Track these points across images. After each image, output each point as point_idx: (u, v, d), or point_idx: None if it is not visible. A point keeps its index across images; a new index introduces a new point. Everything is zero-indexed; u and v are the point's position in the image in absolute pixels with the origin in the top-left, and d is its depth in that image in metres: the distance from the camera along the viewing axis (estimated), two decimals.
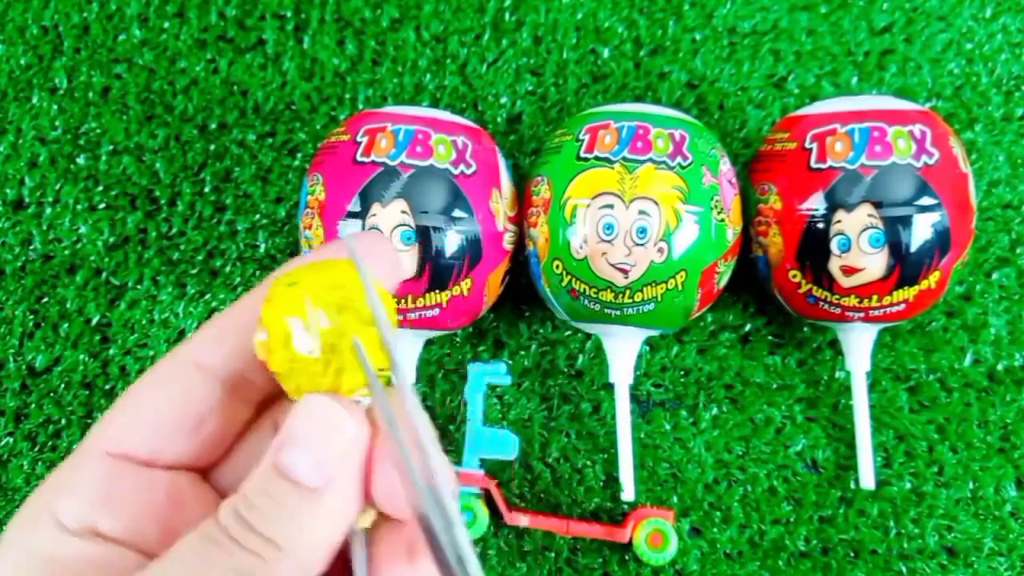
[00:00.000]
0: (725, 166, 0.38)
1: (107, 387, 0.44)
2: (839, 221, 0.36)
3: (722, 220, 0.37)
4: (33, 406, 0.43)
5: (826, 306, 0.38)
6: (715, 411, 0.42)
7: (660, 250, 0.35)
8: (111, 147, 0.46)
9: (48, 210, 0.45)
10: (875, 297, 0.36)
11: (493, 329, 0.44)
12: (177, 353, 0.22)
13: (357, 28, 0.47)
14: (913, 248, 0.35)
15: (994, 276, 0.43)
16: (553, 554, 0.41)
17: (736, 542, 0.41)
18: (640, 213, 0.35)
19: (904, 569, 0.40)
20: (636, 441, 0.42)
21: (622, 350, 0.39)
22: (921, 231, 0.35)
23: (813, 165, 0.37)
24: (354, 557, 0.20)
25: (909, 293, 0.36)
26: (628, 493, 0.40)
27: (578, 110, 0.44)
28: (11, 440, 0.43)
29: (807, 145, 0.37)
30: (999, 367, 0.42)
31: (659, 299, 0.36)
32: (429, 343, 0.43)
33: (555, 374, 0.43)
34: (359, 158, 0.36)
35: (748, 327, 0.43)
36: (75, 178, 0.46)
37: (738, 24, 0.47)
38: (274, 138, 0.46)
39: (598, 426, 0.42)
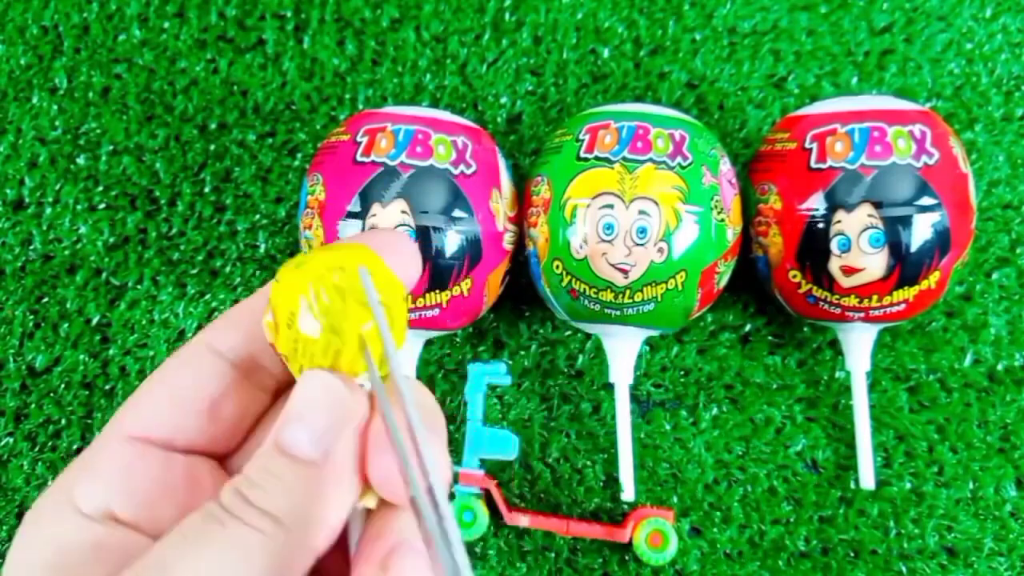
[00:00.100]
0: (725, 166, 0.38)
1: (107, 387, 0.44)
2: (839, 221, 0.36)
3: (722, 220, 0.37)
4: (33, 406, 0.43)
5: (826, 306, 0.38)
6: (715, 411, 0.42)
7: (660, 250, 0.35)
8: (111, 147, 0.46)
9: (48, 210, 0.45)
10: (875, 297, 0.37)
11: (493, 329, 0.44)
12: (194, 339, 0.22)
13: (357, 28, 0.47)
14: (913, 248, 0.35)
15: (994, 276, 0.43)
16: (553, 554, 0.41)
17: (736, 542, 0.41)
18: (640, 213, 0.35)
19: (904, 569, 0.40)
20: (636, 441, 0.42)
21: (622, 350, 0.39)
22: (921, 231, 0.35)
23: (813, 165, 0.37)
24: (351, 537, 0.21)
25: (909, 293, 0.36)
26: (628, 493, 0.40)
27: (578, 110, 0.44)
28: (11, 440, 0.43)
29: (807, 145, 0.37)
30: (999, 367, 0.42)
31: (659, 299, 0.36)
32: (429, 343, 0.43)
33: (555, 374, 0.43)
34: (359, 158, 0.36)
35: (748, 327, 0.43)
36: (75, 178, 0.46)
37: (738, 24, 0.47)
38: (274, 138, 0.46)
39: (598, 426, 0.42)
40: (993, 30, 0.46)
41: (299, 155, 0.46)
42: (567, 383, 0.43)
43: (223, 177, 0.46)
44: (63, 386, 0.44)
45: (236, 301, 0.44)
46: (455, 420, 0.42)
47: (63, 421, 0.43)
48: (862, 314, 0.37)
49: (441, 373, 0.43)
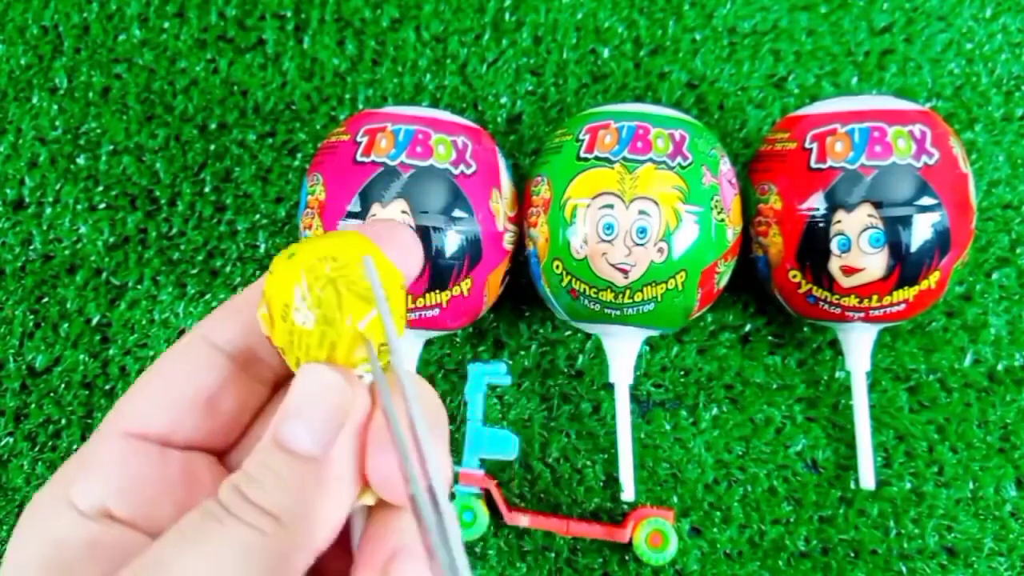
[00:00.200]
0: (725, 166, 0.38)
1: (107, 387, 0.44)
2: (839, 221, 0.36)
3: (722, 220, 0.37)
4: (33, 406, 0.43)
5: (826, 306, 0.38)
6: (715, 411, 0.42)
7: (660, 250, 0.35)
8: (111, 147, 0.46)
9: (48, 210, 0.45)
10: (875, 297, 0.37)
11: (493, 329, 0.44)
12: (190, 333, 0.22)
13: (357, 28, 0.47)
14: (913, 248, 0.35)
15: (994, 276, 0.43)
16: (553, 554, 0.41)
17: (736, 542, 0.41)
18: (640, 213, 0.35)
19: (904, 569, 0.40)
20: (636, 441, 0.42)
21: (622, 350, 0.39)
22: (921, 231, 0.35)
23: (813, 165, 0.37)
24: (353, 534, 0.20)
25: (909, 293, 0.36)
26: (628, 493, 0.40)
27: (578, 110, 0.44)
28: (11, 440, 0.43)
29: (807, 145, 0.37)
30: (999, 367, 0.42)
31: (659, 299, 0.36)
32: (429, 343, 0.43)
33: (555, 374, 0.43)
34: (359, 158, 0.36)
35: (748, 327, 0.43)
36: (75, 178, 0.46)
37: (738, 24, 0.47)
38: (274, 138, 0.46)
39: (598, 426, 0.42)
40: (993, 30, 0.46)
41: (299, 155, 0.46)
42: (567, 383, 0.43)
43: (223, 177, 0.46)
44: (63, 386, 0.44)
45: None
46: (455, 420, 0.42)
47: (63, 421, 0.43)
48: (862, 314, 0.37)
49: (441, 373, 0.43)
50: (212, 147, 0.46)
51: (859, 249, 0.36)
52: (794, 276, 0.38)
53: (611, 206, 0.36)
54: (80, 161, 0.46)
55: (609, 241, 0.36)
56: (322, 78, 0.47)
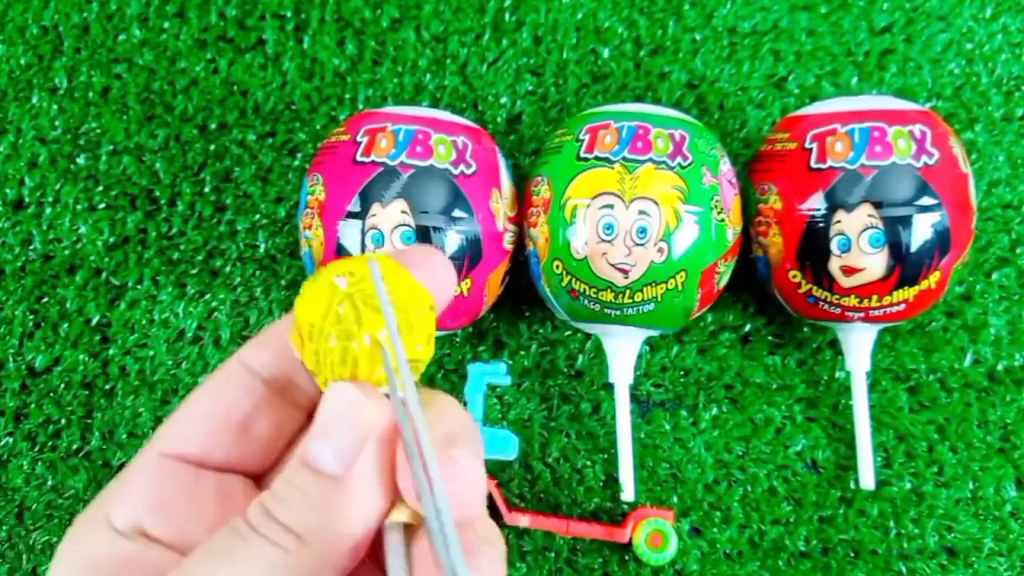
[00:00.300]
0: (725, 166, 0.38)
1: (107, 387, 0.44)
2: (839, 221, 0.36)
3: (722, 220, 0.37)
4: (33, 406, 0.43)
5: (826, 306, 0.38)
6: (715, 411, 0.42)
7: (660, 250, 0.35)
8: (111, 147, 0.46)
9: (48, 210, 0.45)
10: (875, 297, 0.36)
11: (493, 329, 0.44)
12: (230, 358, 0.22)
13: (357, 28, 0.47)
14: (913, 248, 0.35)
15: (994, 276, 0.43)
16: (553, 554, 0.41)
17: (736, 542, 0.41)
18: (640, 213, 0.35)
19: (904, 569, 0.40)
20: (636, 441, 0.42)
21: (622, 350, 0.39)
22: (921, 231, 0.35)
23: (813, 165, 0.37)
24: (388, 552, 0.20)
25: (909, 293, 0.36)
26: (628, 493, 0.40)
27: (578, 110, 0.44)
28: (11, 440, 0.43)
29: (807, 145, 0.37)
30: (999, 367, 0.42)
31: (659, 299, 0.36)
32: None
33: (555, 374, 0.43)
34: (359, 158, 0.36)
35: (748, 327, 0.43)
36: (75, 178, 0.46)
37: (738, 24, 0.47)
38: (274, 138, 0.46)
39: (598, 426, 0.42)
40: (993, 30, 0.46)
41: (299, 155, 0.46)
42: (567, 383, 0.43)
43: (223, 177, 0.46)
44: (63, 386, 0.44)
45: (236, 301, 0.44)
46: None
47: (63, 421, 0.43)
48: (862, 314, 0.37)
49: (441, 373, 0.43)
50: (212, 147, 0.46)
51: (859, 249, 0.36)
52: (794, 276, 0.38)
53: (611, 206, 0.36)
54: (80, 161, 0.46)
55: (609, 241, 0.36)
56: (322, 78, 0.47)
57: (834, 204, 0.36)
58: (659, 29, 0.47)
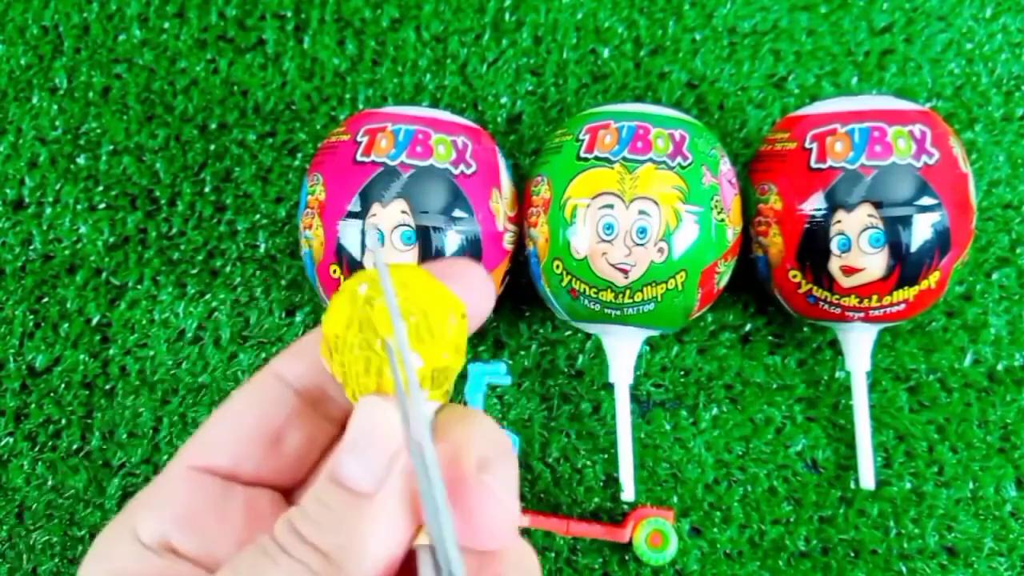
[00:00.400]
0: (725, 166, 0.38)
1: (107, 387, 0.44)
2: (839, 221, 0.36)
3: (722, 220, 0.37)
4: (33, 406, 0.43)
5: (826, 306, 0.38)
6: (715, 411, 0.42)
7: (660, 250, 0.35)
8: (111, 147, 0.46)
9: (48, 210, 0.45)
10: (875, 297, 0.36)
11: (493, 329, 0.44)
12: (262, 369, 0.22)
13: (357, 28, 0.47)
14: (913, 248, 0.35)
15: (994, 276, 0.43)
16: (553, 554, 0.41)
17: (736, 542, 0.41)
18: (640, 213, 0.35)
19: (904, 569, 0.40)
20: (636, 441, 0.42)
21: (622, 350, 0.39)
22: (921, 231, 0.35)
23: (813, 165, 0.37)
24: (421, 574, 0.19)
25: (909, 293, 0.36)
26: (628, 493, 0.40)
27: (578, 110, 0.44)
28: (11, 440, 0.43)
29: (807, 145, 0.37)
30: (999, 367, 0.42)
31: (659, 299, 0.36)
32: None
33: (555, 374, 0.43)
34: (359, 158, 0.36)
35: (748, 327, 0.43)
36: (75, 178, 0.46)
37: (738, 24, 0.47)
38: (274, 138, 0.46)
39: (598, 426, 0.42)
40: (993, 30, 0.46)
41: (299, 155, 0.46)
42: (567, 383, 0.43)
43: (223, 177, 0.46)
44: (63, 386, 0.44)
45: (236, 301, 0.44)
46: None
47: (63, 421, 0.43)
48: (862, 314, 0.37)
49: None
50: (212, 147, 0.46)
51: (859, 249, 0.36)
52: (794, 276, 0.38)
53: (611, 206, 0.36)
54: (80, 161, 0.46)
55: (609, 241, 0.36)
56: (322, 78, 0.47)
57: (834, 204, 0.36)
58: (659, 29, 0.47)
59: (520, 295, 0.43)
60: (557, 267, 0.37)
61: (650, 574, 0.41)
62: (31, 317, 0.44)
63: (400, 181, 0.35)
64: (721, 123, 0.46)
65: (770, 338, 0.43)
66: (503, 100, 0.46)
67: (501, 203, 0.38)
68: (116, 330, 0.44)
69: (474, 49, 0.47)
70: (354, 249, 0.36)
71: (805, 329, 0.43)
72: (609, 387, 0.42)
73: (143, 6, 0.48)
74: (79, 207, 0.45)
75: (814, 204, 0.36)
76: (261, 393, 0.21)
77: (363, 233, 0.35)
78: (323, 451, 0.22)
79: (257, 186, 0.45)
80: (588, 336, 0.43)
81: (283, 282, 0.44)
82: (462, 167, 0.36)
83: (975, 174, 0.44)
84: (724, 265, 0.38)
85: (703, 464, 0.42)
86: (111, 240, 0.45)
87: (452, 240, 0.36)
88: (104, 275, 0.45)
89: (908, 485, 0.41)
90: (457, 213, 0.36)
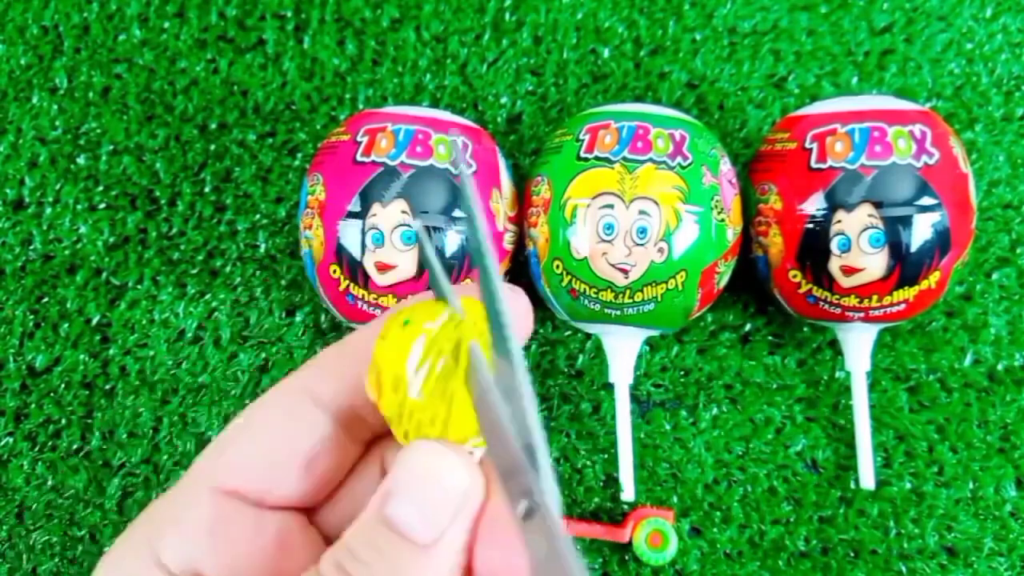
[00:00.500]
0: (725, 166, 0.38)
1: (107, 387, 0.44)
2: (839, 221, 0.36)
3: (722, 220, 0.37)
4: (33, 406, 0.43)
5: (826, 306, 0.38)
6: (715, 411, 0.42)
7: (660, 250, 0.35)
8: (111, 147, 0.46)
9: (48, 210, 0.45)
10: (875, 297, 0.37)
11: None
12: (288, 386, 0.20)
13: (357, 28, 0.47)
14: (913, 248, 0.35)
15: (994, 276, 0.43)
16: None
17: (736, 542, 0.41)
18: (640, 213, 0.35)
19: (904, 569, 0.40)
20: (636, 441, 0.42)
21: (622, 350, 0.39)
22: (921, 231, 0.35)
23: (813, 165, 0.37)
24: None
25: (909, 293, 0.36)
26: (628, 493, 0.40)
27: (578, 110, 0.44)
28: (11, 440, 0.43)
29: (807, 145, 0.37)
30: (999, 367, 0.42)
31: (659, 299, 0.36)
32: None
33: (555, 374, 0.43)
34: (359, 158, 0.36)
35: (748, 327, 0.43)
36: (75, 178, 0.46)
37: (738, 24, 0.47)
38: (274, 138, 0.46)
39: (598, 426, 0.42)
40: (993, 30, 0.46)
41: (299, 155, 0.46)
42: (567, 383, 0.43)
43: (223, 177, 0.46)
44: (63, 386, 0.44)
45: (236, 301, 0.44)
46: None
47: (63, 421, 0.43)
48: (862, 314, 0.37)
49: None
50: (212, 147, 0.46)
51: (859, 249, 0.36)
52: (794, 276, 0.38)
53: (611, 206, 0.36)
54: (80, 161, 0.46)
55: (609, 241, 0.36)
56: (322, 78, 0.47)
57: (834, 204, 0.36)
58: (659, 29, 0.47)
59: None
60: (557, 267, 0.37)
61: (650, 574, 0.41)
62: (31, 317, 0.44)
63: (400, 181, 0.35)
64: (721, 123, 0.46)
65: (770, 338, 0.43)
66: (503, 100, 0.46)
67: (501, 203, 0.38)
68: (116, 330, 0.44)
69: (474, 49, 0.47)
70: (354, 249, 0.36)
71: (805, 329, 0.43)
72: (609, 387, 0.42)
73: (143, 6, 0.48)
74: (79, 207, 0.45)
75: (814, 204, 0.36)
76: (292, 413, 0.20)
77: (363, 234, 0.35)
78: (347, 471, 0.21)
79: (257, 186, 0.45)
80: (588, 336, 0.43)
81: (283, 282, 0.44)
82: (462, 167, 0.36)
83: (975, 174, 0.44)
84: (724, 265, 0.38)
85: (703, 464, 0.42)
86: (111, 240, 0.45)
87: (452, 240, 0.36)
88: (104, 275, 0.45)
89: (908, 485, 0.41)
90: (457, 213, 0.36)
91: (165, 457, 0.43)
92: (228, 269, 0.45)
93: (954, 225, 0.36)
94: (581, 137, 0.37)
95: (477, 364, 0.18)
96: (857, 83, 0.46)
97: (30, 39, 0.48)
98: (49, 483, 0.43)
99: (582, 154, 0.37)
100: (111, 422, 0.43)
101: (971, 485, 0.41)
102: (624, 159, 0.36)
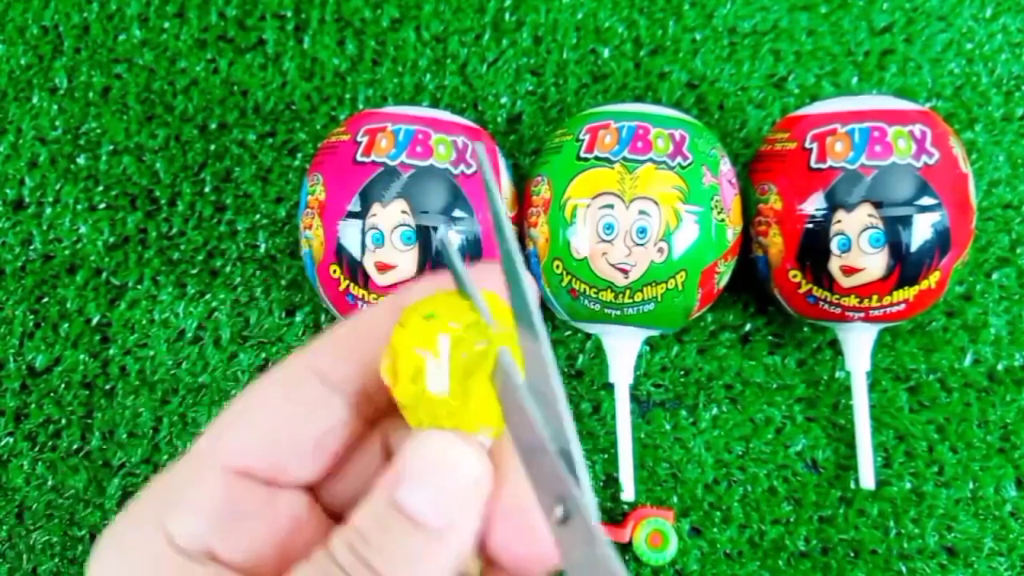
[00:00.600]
0: (725, 166, 0.38)
1: (107, 387, 0.44)
2: (839, 221, 0.36)
3: (722, 220, 0.37)
4: (33, 406, 0.43)
5: (826, 306, 0.38)
6: (715, 411, 0.42)
7: (660, 250, 0.35)
8: (111, 147, 0.46)
9: (48, 210, 0.45)
10: (875, 297, 0.37)
11: None
12: (296, 364, 0.20)
13: (357, 28, 0.47)
14: (913, 248, 0.35)
15: (994, 276, 0.43)
16: None
17: (736, 542, 0.41)
18: (640, 213, 0.35)
19: (904, 569, 0.40)
20: (636, 441, 0.42)
21: (622, 350, 0.39)
22: (921, 231, 0.35)
23: (813, 165, 0.37)
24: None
25: (909, 293, 0.36)
26: (628, 493, 0.40)
27: (578, 110, 0.44)
28: (11, 440, 0.43)
29: (807, 145, 0.37)
30: (999, 367, 0.42)
31: (659, 299, 0.36)
32: None
33: None
34: (359, 158, 0.36)
35: (748, 327, 0.43)
36: (75, 178, 0.46)
37: (738, 24, 0.47)
38: (274, 138, 0.46)
39: (598, 426, 0.42)
40: (993, 30, 0.46)
41: (299, 155, 0.46)
42: (567, 383, 0.43)
43: (223, 177, 0.46)
44: (63, 386, 0.44)
45: (236, 301, 0.44)
46: None
47: (63, 421, 0.43)
48: (862, 314, 0.37)
49: None
50: (212, 147, 0.46)
51: (859, 249, 0.36)
52: (794, 276, 0.38)
53: (611, 206, 0.36)
54: (80, 161, 0.46)
55: (609, 241, 0.36)
56: (322, 78, 0.47)
57: (834, 204, 0.36)
58: (659, 29, 0.47)
59: None
60: (557, 267, 0.37)
61: (650, 574, 0.41)
62: (31, 317, 0.44)
63: (400, 181, 0.35)
64: (721, 123, 0.46)
65: (770, 338, 0.43)
66: (503, 100, 0.46)
67: (501, 203, 0.38)
68: (116, 330, 0.44)
69: (474, 49, 0.47)
70: (354, 249, 0.36)
71: (805, 329, 0.43)
72: (609, 387, 0.42)
73: (143, 6, 0.48)
74: (79, 207, 0.45)
75: (814, 204, 0.36)
76: (304, 394, 0.20)
77: (363, 234, 0.35)
78: (352, 447, 0.22)
79: (257, 186, 0.45)
80: (588, 336, 0.43)
81: (283, 282, 0.44)
82: (462, 167, 0.36)
83: (975, 174, 0.44)
84: (724, 265, 0.38)
85: (703, 464, 0.42)
86: (111, 240, 0.45)
87: (452, 240, 0.36)
88: (104, 275, 0.45)
89: (908, 485, 0.41)
90: (457, 213, 0.36)
91: (165, 457, 0.43)
92: (228, 269, 0.45)
93: (954, 225, 0.36)
94: (581, 137, 0.37)
95: (508, 370, 0.18)
96: (857, 83, 0.46)
97: (30, 39, 0.48)
98: (49, 483, 0.43)
99: (582, 154, 0.37)
100: (111, 422, 0.43)
101: (971, 485, 0.41)
102: (624, 159, 0.36)
